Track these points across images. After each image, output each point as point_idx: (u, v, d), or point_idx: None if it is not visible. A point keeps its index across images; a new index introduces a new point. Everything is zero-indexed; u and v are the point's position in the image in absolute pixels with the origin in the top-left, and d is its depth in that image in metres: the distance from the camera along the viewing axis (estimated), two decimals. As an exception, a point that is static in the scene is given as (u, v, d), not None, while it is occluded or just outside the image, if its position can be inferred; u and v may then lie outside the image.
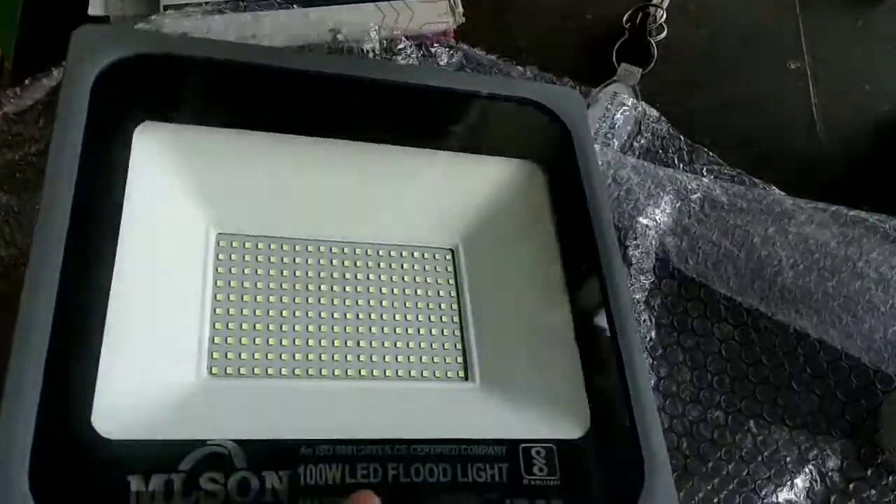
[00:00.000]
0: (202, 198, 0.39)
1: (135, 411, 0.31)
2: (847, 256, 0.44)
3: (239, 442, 0.30)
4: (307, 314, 0.38)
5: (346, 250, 0.41)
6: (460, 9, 0.50)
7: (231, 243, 0.39)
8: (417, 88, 0.42)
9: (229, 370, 0.36)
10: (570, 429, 0.36)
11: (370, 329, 0.39)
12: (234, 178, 0.39)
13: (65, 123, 0.35)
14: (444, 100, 0.43)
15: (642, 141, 0.48)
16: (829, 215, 0.45)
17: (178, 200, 0.38)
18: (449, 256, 0.43)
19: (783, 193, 0.46)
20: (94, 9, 0.52)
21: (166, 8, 0.51)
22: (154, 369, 0.34)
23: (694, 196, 0.46)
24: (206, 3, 0.51)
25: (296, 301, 0.39)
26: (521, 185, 0.43)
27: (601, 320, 0.39)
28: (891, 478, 0.42)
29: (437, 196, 0.42)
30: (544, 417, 0.37)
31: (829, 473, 0.43)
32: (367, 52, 0.50)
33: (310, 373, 0.37)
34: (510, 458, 0.34)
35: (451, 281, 0.42)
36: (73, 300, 0.31)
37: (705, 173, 0.47)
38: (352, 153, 0.40)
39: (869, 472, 0.43)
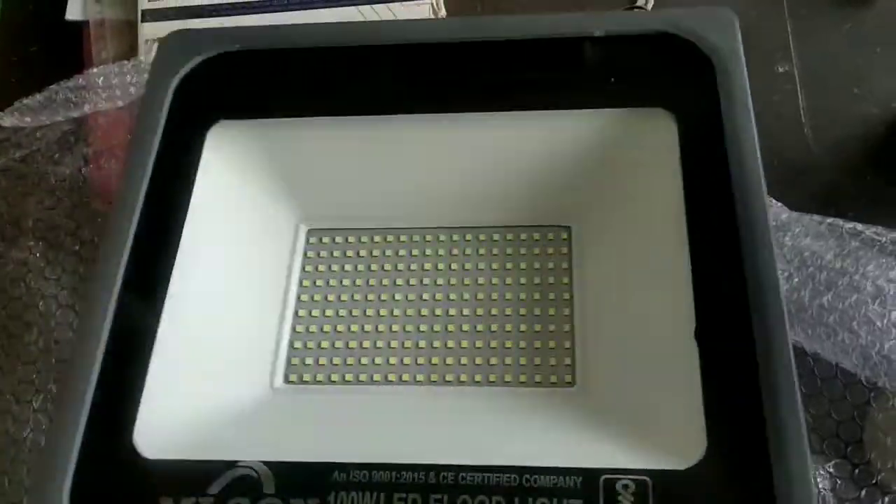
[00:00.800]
0: (288, 193, 0.37)
1: (175, 430, 0.30)
2: (843, 269, 0.43)
3: (269, 464, 0.28)
4: (398, 312, 0.36)
5: (441, 237, 0.37)
6: (443, 12, 0.48)
7: (321, 238, 0.37)
8: (515, 42, 0.36)
9: (306, 377, 0.35)
10: (675, 456, 0.27)
11: (465, 327, 0.35)
12: (321, 168, 0.37)
13: (143, 127, 0.35)
14: (549, 49, 0.36)
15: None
16: (826, 228, 0.44)
17: (261, 197, 0.37)
18: (564, 236, 0.37)
19: (780, 205, 0.44)
20: (72, 13, 0.50)
21: (145, 13, 0.48)
22: (205, 384, 0.33)
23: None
24: (186, 7, 0.48)
25: (382, 298, 0.36)
26: (649, 142, 0.35)
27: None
28: (886, 499, 0.41)
29: (546, 165, 0.37)
30: (644, 439, 0.29)
31: (823, 494, 0.42)
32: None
33: (390, 378, 0.35)
34: (587, 494, 0.27)
35: (565, 266, 0.36)
36: (131, 312, 0.31)
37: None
38: (444, 127, 0.36)
39: (863, 494, 0.42)
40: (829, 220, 0.44)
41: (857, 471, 0.42)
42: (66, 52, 0.50)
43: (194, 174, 0.34)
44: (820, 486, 0.41)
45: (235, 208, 0.36)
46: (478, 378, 0.34)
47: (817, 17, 0.51)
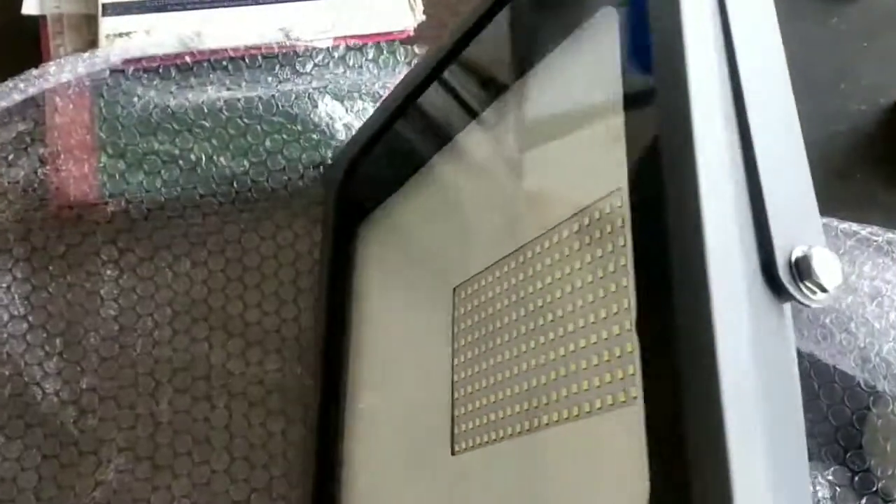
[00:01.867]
0: (433, 260, 0.38)
1: None
2: (837, 270, 0.42)
3: None
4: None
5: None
6: (420, 7, 0.46)
7: (467, 290, 0.34)
8: None
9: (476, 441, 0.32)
10: None
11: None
12: (443, 223, 0.37)
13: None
14: None
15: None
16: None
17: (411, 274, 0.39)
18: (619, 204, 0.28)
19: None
20: (29, 8, 0.47)
21: (105, 6, 0.46)
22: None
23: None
24: (148, 1, 0.46)
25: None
26: None
27: None
28: (888, 505, 0.40)
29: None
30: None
31: (821, 502, 0.40)
32: (320, 52, 0.46)
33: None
34: None
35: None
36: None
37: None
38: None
39: (863, 502, 0.40)
40: (824, 220, 0.43)
41: (856, 478, 0.40)
42: (22, 49, 0.47)
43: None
44: (819, 494, 0.40)
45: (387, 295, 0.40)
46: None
47: (802, 12, 0.50)
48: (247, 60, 0.45)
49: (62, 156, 0.44)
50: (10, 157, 0.44)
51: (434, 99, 0.37)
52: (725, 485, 0.19)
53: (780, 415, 0.22)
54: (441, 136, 0.37)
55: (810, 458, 0.41)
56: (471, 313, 0.33)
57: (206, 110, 0.45)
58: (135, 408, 0.42)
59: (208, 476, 0.40)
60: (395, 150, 0.41)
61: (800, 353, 0.42)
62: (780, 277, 0.23)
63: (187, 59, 0.45)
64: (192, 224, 0.45)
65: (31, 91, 0.43)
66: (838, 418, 0.41)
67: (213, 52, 0.45)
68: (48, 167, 0.44)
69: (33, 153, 0.44)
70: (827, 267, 0.23)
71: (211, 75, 0.45)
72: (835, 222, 0.42)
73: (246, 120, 0.45)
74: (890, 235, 0.41)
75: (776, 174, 0.25)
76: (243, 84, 0.45)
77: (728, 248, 0.22)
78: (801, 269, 0.23)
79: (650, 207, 0.25)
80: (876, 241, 0.41)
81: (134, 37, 0.45)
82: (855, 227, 0.41)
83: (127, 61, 0.44)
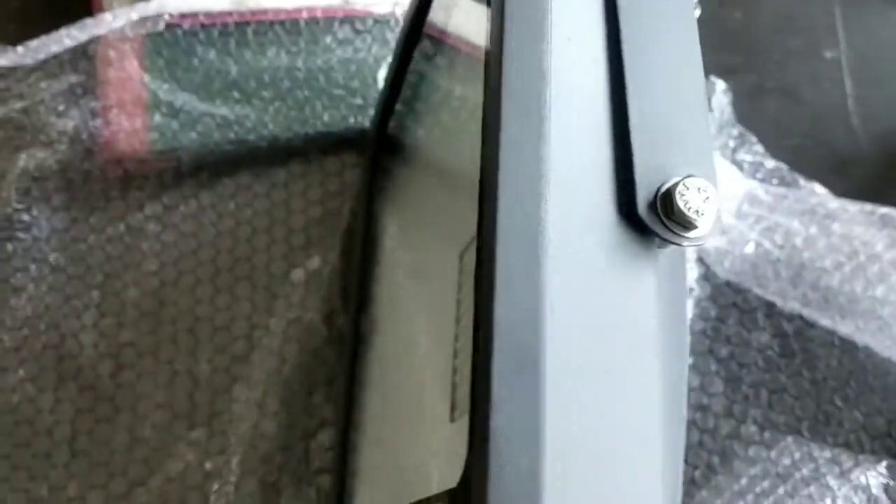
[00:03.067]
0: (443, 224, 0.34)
1: None
2: (895, 261, 0.41)
3: None
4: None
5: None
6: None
7: (469, 255, 0.33)
8: None
9: None
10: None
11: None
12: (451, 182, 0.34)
13: None
14: None
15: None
16: (877, 218, 0.41)
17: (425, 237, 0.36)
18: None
19: (827, 192, 0.42)
20: None
21: None
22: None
23: (733, 192, 0.42)
24: None
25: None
26: None
27: None
28: (943, 502, 0.39)
29: None
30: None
31: (874, 495, 0.39)
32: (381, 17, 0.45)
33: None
34: None
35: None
36: None
37: (746, 165, 0.43)
38: None
39: (918, 496, 0.39)
40: (882, 210, 0.42)
41: (910, 473, 0.39)
42: (71, 3, 0.47)
43: None
44: (873, 488, 0.39)
45: None
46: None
47: (866, 3, 0.49)
48: (305, 23, 0.45)
49: (114, 109, 0.43)
50: (61, 107, 0.43)
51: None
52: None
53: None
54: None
55: (863, 452, 0.40)
56: (468, 279, 0.32)
57: (266, 79, 0.44)
58: (173, 364, 0.41)
59: (247, 433, 0.40)
60: (417, 88, 0.39)
61: (854, 345, 0.42)
62: (639, 214, 0.20)
63: (247, 17, 0.44)
64: (240, 186, 0.44)
65: (84, 38, 0.42)
66: (891, 412, 0.40)
67: (270, 12, 0.45)
68: (98, 120, 0.43)
69: (84, 105, 0.44)
70: (694, 199, 0.20)
71: (270, 35, 0.45)
72: (894, 213, 0.41)
73: (307, 92, 0.44)
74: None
75: (651, 104, 0.22)
76: (303, 47, 0.45)
77: (568, 185, 0.20)
78: (666, 203, 0.20)
79: None
80: (939, 230, 0.40)
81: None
82: (918, 214, 0.41)
83: (184, 16, 0.44)
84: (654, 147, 0.21)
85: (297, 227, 0.44)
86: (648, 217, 0.21)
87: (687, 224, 0.20)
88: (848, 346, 0.41)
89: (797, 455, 0.40)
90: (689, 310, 0.42)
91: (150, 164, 0.43)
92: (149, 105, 0.43)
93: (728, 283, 0.43)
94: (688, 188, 0.21)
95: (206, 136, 0.43)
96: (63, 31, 0.43)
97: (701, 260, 0.43)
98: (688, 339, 0.21)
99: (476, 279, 0.20)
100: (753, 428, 0.41)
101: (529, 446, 0.16)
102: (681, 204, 0.20)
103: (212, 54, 0.44)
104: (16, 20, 0.46)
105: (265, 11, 0.44)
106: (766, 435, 0.40)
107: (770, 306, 0.42)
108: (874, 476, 0.39)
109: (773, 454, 0.40)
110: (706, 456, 0.40)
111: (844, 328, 0.41)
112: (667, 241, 0.20)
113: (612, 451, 0.18)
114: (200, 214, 0.44)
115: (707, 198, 0.20)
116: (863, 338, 0.41)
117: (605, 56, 0.23)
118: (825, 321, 0.41)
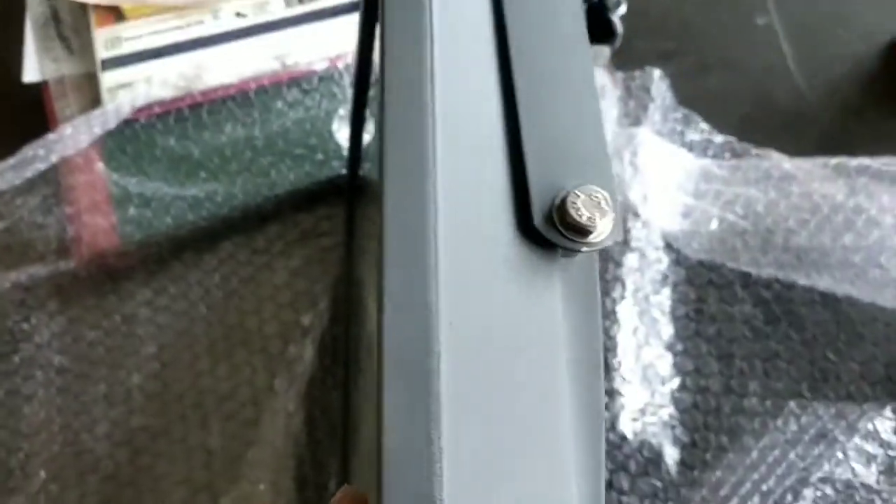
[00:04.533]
0: None
1: None
2: (858, 207, 0.41)
3: None
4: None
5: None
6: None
7: None
8: None
9: None
10: None
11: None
12: None
13: None
14: None
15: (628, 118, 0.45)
16: (832, 169, 0.42)
17: None
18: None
19: (780, 155, 0.43)
20: (30, 76, 0.49)
21: (104, 62, 0.47)
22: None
23: (688, 173, 0.43)
24: (145, 50, 0.47)
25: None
26: None
27: None
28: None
29: None
30: None
31: (885, 440, 0.39)
32: (323, 73, 0.47)
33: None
34: None
35: None
36: None
37: (695, 145, 0.44)
38: None
39: (928, 431, 0.39)
40: (834, 160, 0.42)
41: (916, 411, 0.39)
42: (28, 115, 0.49)
43: None
44: (883, 434, 0.39)
45: None
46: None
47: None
48: (255, 94, 0.47)
49: (84, 213, 0.45)
50: (40, 220, 0.46)
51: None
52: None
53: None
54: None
55: (865, 400, 0.40)
56: None
57: (229, 153, 0.46)
58: (186, 440, 0.42)
59: (268, 492, 0.41)
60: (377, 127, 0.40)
61: (835, 297, 0.42)
62: (536, 227, 0.21)
63: (199, 99, 0.46)
64: (222, 258, 0.46)
65: (53, 158, 0.45)
66: (886, 355, 0.41)
67: (219, 89, 0.47)
68: (73, 224, 0.45)
69: (59, 213, 0.46)
70: (587, 205, 0.20)
71: (224, 111, 0.47)
72: (846, 160, 0.42)
73: (269, 158, 0.46)
74: (905, 163, 0.40)
75: (542, 117, 0.23)
76: (257, 117, 0.47)
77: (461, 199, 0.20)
78: (561, 213, 0.21)
79: None
80: (890, 171, 0.41)
81: (136, 87, 0.46)
82: (867, 161, 0.41)
83: (139, 110, 0.46)
84: (547, 160, 0.22)
85: (283, 287, 0.46)
86: (545, 229, 0.21)
87: (582, 230, 0.21)
88: (829, 300, 0.41)
89: (802, 418, 0.40)
90: (667, 297, 0.43)
91: (131, 255, 0.45)
92: (119, 201, 0.45)
93: (701, 263, 0.43)
94: (579, 196, 0.22)
95: (180, 218, 0.45)
96: (27, 149, 0.45)
97: (669, 246, 0.44)
98: (600, 344, 0.21)
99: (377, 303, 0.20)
100: (754, 400, 0.41)
101: (422, 466, 0.17)
102: (573, 212, 0.21)
103: (171, 141, 0.46)
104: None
105: (215, 90, 0.46)
106: (768, 404, 0.41)
107: (746, 277, 0.43)
108: (881, 421, 0.39)
109: (778, 422, 0.40)
110: (713, 437, 0.41)
111: (822, 283, 0.41)
112: (568, 250, 0.21)
113: (518, 466, 0.18)
114: (189, 292, 0.45)
115: (599, 203, 0.21)
116: (842, 288, 0.41)
117: (495, 74, 0.24)
118: (802, 280, 0.41)
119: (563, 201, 0.21)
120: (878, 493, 0.37)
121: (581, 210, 0.21)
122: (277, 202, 0.47)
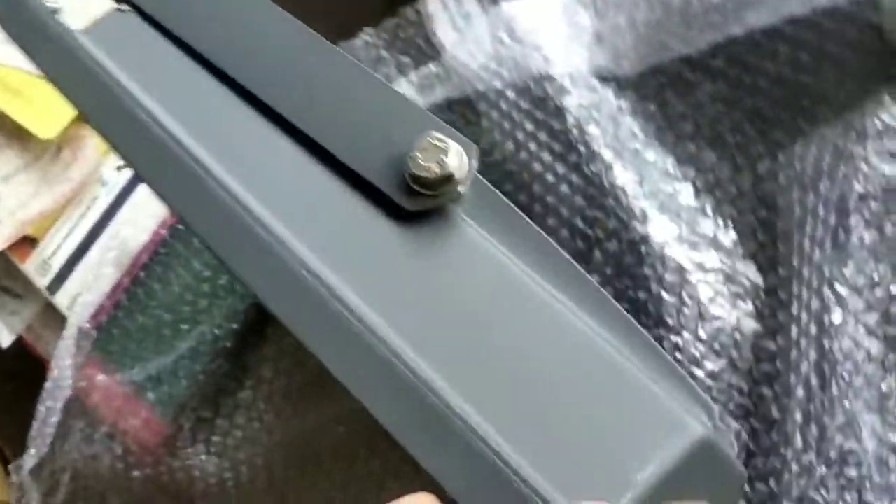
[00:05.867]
0: None
1: None
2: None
3: None
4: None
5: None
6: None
7: None
8: None
9: None
10: None
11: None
12: None
13: None
14: None
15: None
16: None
17: None
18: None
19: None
20: (4, 340, 0.50)
21: (49, 288, 0.49)
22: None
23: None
24: (73, 252, 0.48)
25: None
26: None
27: None
28: None
29: None
30: None
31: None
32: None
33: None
34: None
35: None
36: None
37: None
38: None
39: None
40: None
41: None
42: (21, 375, 0.50)
43: None
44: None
45: None
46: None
47: None
48: (169, 233, 0.47)
49: (120, 422, 0.46)
50: (87, 450, 0.47)
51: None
52: None
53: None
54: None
55: (861, 106, 0.36)
56: None
57: (190, 297, 0.46)
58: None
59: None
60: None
61: (782, 32, 0.38)
62: (405, 208, 0.21)
63: (135, 271, 0.47)
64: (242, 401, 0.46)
65: (57, 399, 0.46)
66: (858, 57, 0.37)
67: (147, 246, 0.47)
68: (118, 437, 0.46)
69: (100, 437, 0.47)
70: (430, 157, 0.20)
71: (160, 267, 0.47)
72: None
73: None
74: None
75: (330, 115, 0.22)
76: (183, 251, 0.47)
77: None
78: (416, 180, 0.20)
79: None
80: None
81: (84, 292, 0.47)
82: None
83: (95, 314, 0.46)
84: (361, 148, 0.21)
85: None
86: (413, 202, 0.20)
87: (441, 180, 0.20)
88: (776, 34, 0.38)
89: (812, 147, 0.37)
90: (631, 123, 0.40)
91: (177, 428, 0.46)
92: (137, 394, 0.46)
93: (641, 75, 0.41)
94: (416, 155, 0.20)
95: (189, 372, 0.45)
96: (41, 408, 0.46)
97: (605, 79, 0.41)
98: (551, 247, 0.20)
99: None
100: (767, 161, 0.38)
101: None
102: (422, 171, 0.20)
103: (138, 318, 0.46)
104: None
105: (139, 254, 0.46)
106: (781, 157, 0.38)
107: (688, 61, 0.39)
108: (885, 111, 0.35)
109: (795, 163, 0.37)
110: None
111: (760, 19, 0.37)
112: (445, 203, 0.20)
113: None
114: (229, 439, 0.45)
115: (435, 144, 0.20)
116: (780, 14, 0.37)
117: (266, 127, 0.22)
118: (738, 29, 0.38)
119: (408, 168, 0.20)
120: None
121: (426, 163, 0.20)
122: (258, 310, 0.46)
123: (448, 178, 0.20)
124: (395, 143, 0.21)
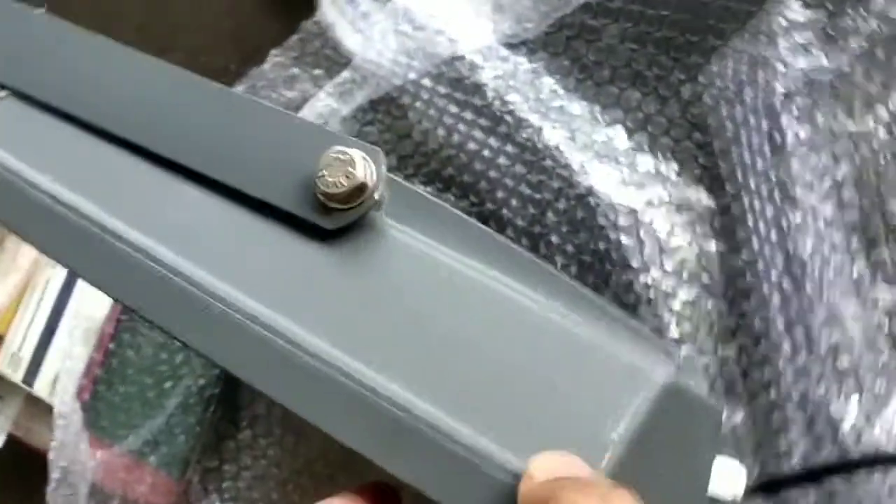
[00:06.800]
0: None
1: None
2: None
3: None
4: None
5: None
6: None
7: None
8: None
9: None
10: None
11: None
12: None
13: None
14: None
15: None
16: None
17: None
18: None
19: None
20: None
21: (25, 380, 0.48)
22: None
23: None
24: (39, 339, 0.48)
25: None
26: None
27: None
28: None
29: None
30: None
31: (803, 20, 0.36)
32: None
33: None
34: None
35: None
36: None
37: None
38: None
39: None
40: None
41: None
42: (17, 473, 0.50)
43: None
44: (800, 18, 0.35)
45: None
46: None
47: None
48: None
49: (128, 490, 0.46)
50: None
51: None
52: None
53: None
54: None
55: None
56: None
57: (165, 356, 0.46)
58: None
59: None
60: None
61: None
62: (324, 227, 0.21)
63: (106, 340, 0.46)
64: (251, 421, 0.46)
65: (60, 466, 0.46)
66: None
67: (111, 317, 0.46)
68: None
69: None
70: (335, 174, 0.19)
71: (127, 334, 0.46)
72: None
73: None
74: None
75: (240, 138, 0.22)
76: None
77: None
78: (327, 196, 0.20)
79: None
80: None
81: (61, 375, 0.46)
82: None
83: (81, 390, 0.46)
84: (269, 176, 0.21)
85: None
86: (331, 220, 0.20)
87: (353, 192, 0.20)
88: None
89: (729, 60, 0.37)
90: (551, 81, 0.40)
91: (187, 485, 0.46)
92: (138, 459, 0.46)
93: (547, 33, 0.41)
94: (323, 173, 0.20)
95: (185, 425, 0.45)
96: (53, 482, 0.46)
97: (512, 48, 0.41)
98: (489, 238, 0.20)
99: None
100: (688, 86, 0.39)
101: None
102: (330, 188, 0.20)
103: (120, 387, 0.46)
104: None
105: (104, 326, 0.46)
106: (702, 78, 0.38)
107: (587, 7, 0.39)
108: (789, 9, 0.36)
109: (716, 79, 0.38)
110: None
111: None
112: (366, 212, 0.20)
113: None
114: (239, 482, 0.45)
115: (338, 158, 0.20)
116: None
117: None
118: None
119: (318, 188, 0.20)
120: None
121: (333, 178, 0.20)
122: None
123: (361, 188, 0.20)
124: (300, 165, 0.21)
